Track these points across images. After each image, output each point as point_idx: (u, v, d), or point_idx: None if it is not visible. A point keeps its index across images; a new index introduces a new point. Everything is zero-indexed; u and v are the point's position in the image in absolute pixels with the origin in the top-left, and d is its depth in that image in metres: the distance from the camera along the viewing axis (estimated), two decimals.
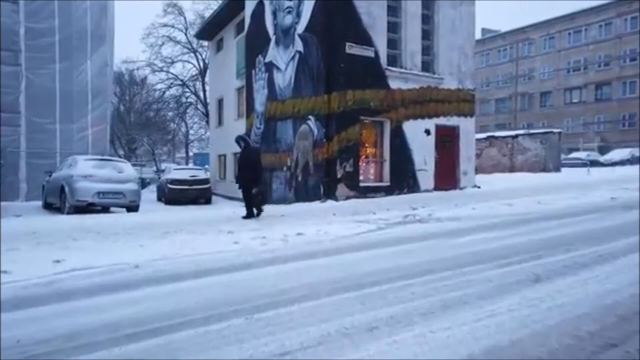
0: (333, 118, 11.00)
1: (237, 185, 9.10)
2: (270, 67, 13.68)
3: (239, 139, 9.03)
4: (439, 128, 12.82)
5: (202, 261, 5.08)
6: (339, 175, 10.93)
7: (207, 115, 31.35)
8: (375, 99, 11.51)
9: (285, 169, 12.92)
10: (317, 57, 11.47)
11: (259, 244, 6.14)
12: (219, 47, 23.33)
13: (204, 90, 30.97)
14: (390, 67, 11.78)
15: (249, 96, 15.14)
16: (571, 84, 43.40)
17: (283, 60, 12.99)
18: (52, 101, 15.49)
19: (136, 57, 48.10)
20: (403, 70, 12.04)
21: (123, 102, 43.74)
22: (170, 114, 38.86)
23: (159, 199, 19.48)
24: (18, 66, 14.88)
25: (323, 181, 11.18)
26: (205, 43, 29.93)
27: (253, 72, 14.69)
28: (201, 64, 30.67)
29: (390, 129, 11.86)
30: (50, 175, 12.31)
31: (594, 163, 31.54)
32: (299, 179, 12.24)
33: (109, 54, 16.79)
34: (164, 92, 31.15)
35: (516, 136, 26.45)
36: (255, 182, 8.95)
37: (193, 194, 17.79)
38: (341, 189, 10.97)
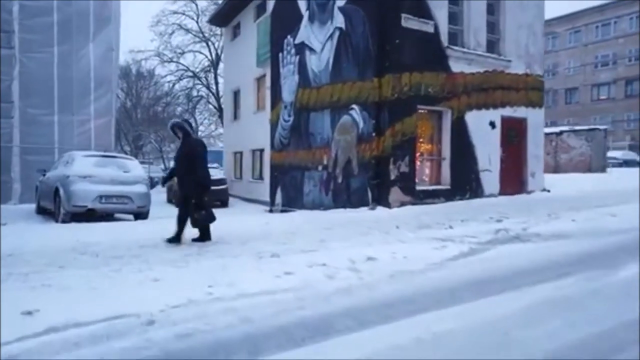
0: (385, 107, 9.21)
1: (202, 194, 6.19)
2: (301, 48, 11.91)
3: (174, 127, 6.24)
4: (504, 120, 10.97)
5: (248, 311, 3.34)
6: (392, 177, 9.13)
7: (219, 109, 29.72)
8: (434, 84, 9.69)
9: (320, 168, 11.15)
10: (363, 33, 9.68)
11: (322, 275, 4.39)
12: (235, 33, 21.65)
13: (217, 83, 29.35)
14: (452, 46, 9.93)
15: (274, 84, 13.39)
16: (599, 80, 41.37)
17: (318, 40, 11.21)
18: (49, 90, 13.92)
19: (144, 46, 46.48)
20: (466, 50, 10.18)
21: (130, 97, 42.41)
22: (180, 109, 37.33)
23: (169, 201, 17.85)
24: (11, 49, 13.30)
25: (371, 184, 9.38)
26: (219, 31, 28.30)
27: (280, 55, 12.94)
28: (213, 55, 29.04)
29: (451, 120, 10.03)
30: (44, 175, 10.68)
31: (630, 163, 29.60)
32: (339, 180, 10.46)
33: (114, 37, 15.17)
34: (173, 85, 29.56)
35: (560, 133, 24.58)
36: (203, 190, 6.15)
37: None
38: (394, 193, 9.17)
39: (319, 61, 11.21)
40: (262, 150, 17.98)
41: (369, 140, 9.51)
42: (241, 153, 20.60)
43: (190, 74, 29.61)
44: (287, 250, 5.61)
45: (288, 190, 12.58)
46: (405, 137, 9.30)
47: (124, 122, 37.23)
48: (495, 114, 10.79)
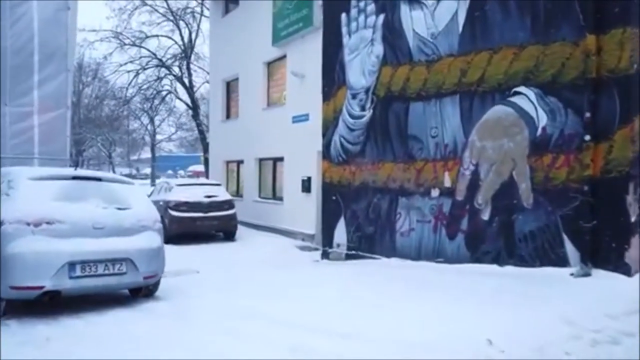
0: (611, 87, 5.27)
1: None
2: (390, 4, 7.80)
3: None
4: None
5: None
6: (632, 217, 5.16)
7: (193, 107, 24.89)
8: None
9: (436, 193, 7.06)
10: None
11: None
12: (227, 7, 17.18)
13: (190, 74, 24.51)
14: None
15: (329, 63, 9.17)
16: None
17: None
18: None
19: (98, 25, 40.35)
20: None
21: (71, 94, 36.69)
22: (132, 107, 32.05)
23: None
24: None
25: (581, 226, 5.39)
26: (193, 7, 23.68)
27: (344, 18, 8.74)
28: (186, 38, 24.18)
29: None
30: None
31: None
32: (484, 215, 6.41)
33: None
34: (137, 74, 24.34)
35: None
36: None
37: (212, 226, 11.65)
38: (636, 247, 5.20)
39: (432, 19, 7.14)
40: (277, 160, 13.64)
41: (569, 149, 5.54)
42: (239, 163, 16.10)
43: (157, 61, 24.51)
44: None
45: (361, 225, 8.37)
46: None
47: None
48: None
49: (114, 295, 5.34)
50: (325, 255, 9.06)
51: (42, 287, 4.33)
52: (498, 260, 6.26)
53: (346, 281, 6.30)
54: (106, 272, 4.64)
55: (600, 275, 5.23)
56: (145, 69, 24.54)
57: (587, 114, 5.37)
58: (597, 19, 5.35)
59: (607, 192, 5.28)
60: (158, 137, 43.18)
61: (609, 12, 5.29)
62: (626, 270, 5.14)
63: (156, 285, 5.41)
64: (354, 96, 8.52)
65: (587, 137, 5.37)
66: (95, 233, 4.62)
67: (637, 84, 5.20)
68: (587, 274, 5.32)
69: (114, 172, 44.32)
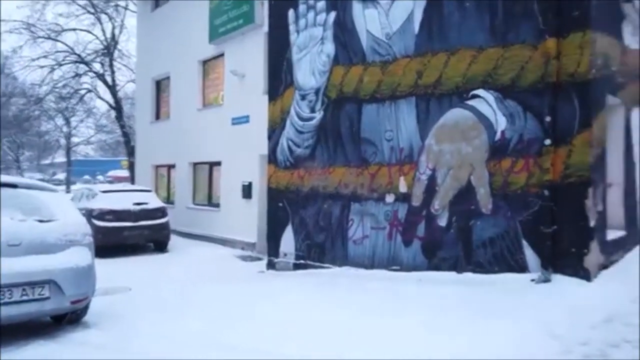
0: (571, 92, 5.29)
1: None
2: (342, 1, 7.53)
3: None
4: None
5: None
6: (591, 222, 5.20)
7: (116, 107, 23.26)
8: (614, 57, 6.05)
9: (391, 199, 6.85)
10: None
11: None
12: (157, 1, 16.18)
13: (113, 71, 22.88)
14: None
15: (275, 63, 8.72)
16: None
17: None
18: None
19: (7, 15, 36.77)
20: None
21: None
22: (45, 107, 29.53)
23: None
24: None
25: (541, 232, 5.37)
26: (123, 2, 22.20)
27: (291, 14, 8.33)
28: (107, 34, 22.54)
29: (624, 121, 6.51)
30: None
31: None
32: (441, 221, 6.28)
33: None
34: (52, 70, 22.25)
35: None
36: None
37: (143, 236, 10.74)
38: (595, 252, 5.26)
39: (387, 18, 6.94)
40: (214, 164, 12.93)
41: (529, 153, 5.53)
42: (170, 167, 15.15)
43: (75, 57, 22.61)
44: None
45: (310, 233, 7.98)
46: (599, 148, 5.48)
47: None
48: None
49: (33, 323, 4.52)
50: (271, 266, 8.56)
51: None
52: (456, 267, 6.14)
53: (302, 295, 5.88)
54: (24, 298, 3.87)
55: (561, 281, 5.22)
56: (61, 65, 22.59)
57: (548, 118, 5.36)
58: (557, 21, 5.37)
59: (566, 197, 5.30)
60: (74, 139, 40.30)
61: (569, 15, 5.33)
62: (586, 275, 5.17)
63: (85, 309, 4.67)
64: (303, 97, 8.14)
65: (547, 142, 5.36)
66: (10, 251, 3.84)
67: (596, 88, 5.28)
68: (548, 280, 5.30)
69: (22, 177, 40.75)
